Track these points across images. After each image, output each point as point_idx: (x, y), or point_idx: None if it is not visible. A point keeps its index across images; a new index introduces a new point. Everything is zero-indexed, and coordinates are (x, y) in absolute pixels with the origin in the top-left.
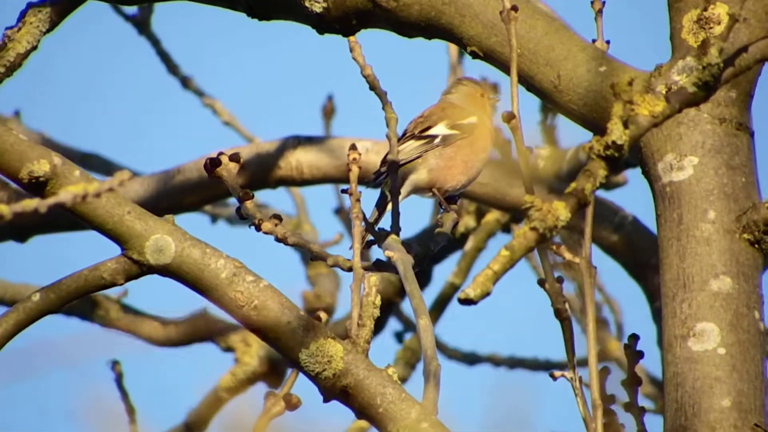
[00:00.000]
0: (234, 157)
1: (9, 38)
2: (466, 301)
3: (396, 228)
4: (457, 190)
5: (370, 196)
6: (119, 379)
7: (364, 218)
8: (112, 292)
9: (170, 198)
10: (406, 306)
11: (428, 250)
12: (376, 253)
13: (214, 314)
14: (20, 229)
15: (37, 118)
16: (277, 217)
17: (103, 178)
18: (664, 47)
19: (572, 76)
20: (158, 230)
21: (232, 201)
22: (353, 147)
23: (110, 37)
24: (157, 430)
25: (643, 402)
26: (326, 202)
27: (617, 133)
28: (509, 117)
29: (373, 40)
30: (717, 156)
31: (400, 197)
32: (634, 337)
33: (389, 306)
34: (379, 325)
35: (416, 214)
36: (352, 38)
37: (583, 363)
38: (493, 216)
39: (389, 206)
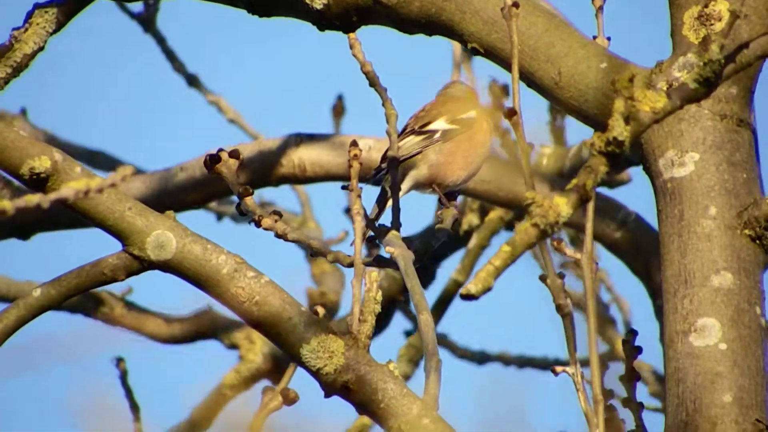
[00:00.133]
0: (234, 154)
1: (16, 39)
2: (468, 297)
3: (396, 224)
4: (457, 185)
5: (373, 193)
6: (123, 376)
7: (365, 214)
8: (117, 290)
9: (173, 195)
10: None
11: (429, 246)
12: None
13: (219, 311)
14: (23, 226)
15: (43, 117)
16: (277, 213)
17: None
18: (665, 44)
19: (573, 73)
20: (159, 226)
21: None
22: (354, 143)
23: (115, 34)
24: (160, 428)
25: (650, 401)
26: (331, 200)
27: (618, 129)
28: (510, 113)
29: (376, 36)
30: (718, 152)
31: (401, 193)
32: (632, 333)
33: (393, 303)
34: (383, 322)
35: (419, 211)
36: (352, 35)
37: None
38: (496, 213)
39: (390, 202)
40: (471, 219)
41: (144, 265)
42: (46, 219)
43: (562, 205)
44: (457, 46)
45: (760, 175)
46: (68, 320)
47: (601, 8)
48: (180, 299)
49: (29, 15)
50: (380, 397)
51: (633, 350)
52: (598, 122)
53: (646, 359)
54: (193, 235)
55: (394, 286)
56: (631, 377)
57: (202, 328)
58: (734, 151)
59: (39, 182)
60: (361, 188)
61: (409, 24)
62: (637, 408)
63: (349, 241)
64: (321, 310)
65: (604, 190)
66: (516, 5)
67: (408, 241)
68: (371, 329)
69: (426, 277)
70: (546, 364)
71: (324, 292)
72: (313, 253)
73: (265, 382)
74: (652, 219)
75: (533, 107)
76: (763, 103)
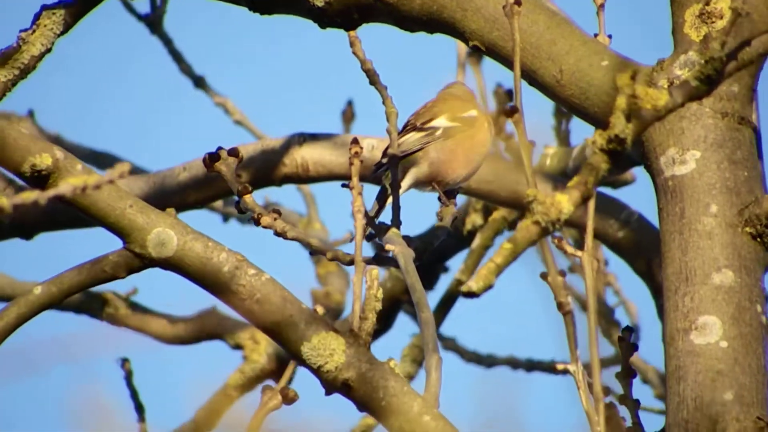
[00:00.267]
0: (233, 152)
1: (23, 40)
2: (469, 294)
3: (397, 222)
4: (457, 183)
5: (378, 193)
6: (129, 377)
7: (366, 212)
8: (122, 290)
9: (175, 195)
10: None
11: (428, 244)
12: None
13: (223, 312)
14: (26, 226)
15: (50, 118)
16: (276, 212)
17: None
18: (667, 42)
19: (574, 71)
20: (160, 223)
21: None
22: (355, 141)
23: (122, 36)
24: (165, 428)
25: (655, 403)
26: (337, 201)
27: (620, 126)
28: (512, 111)
29: (378, 34)
30: (719, 150)
31: (401, 190)
32: (629, 330)
33: (397, 304)
34: (386, 323)
35: (421, 211)
36: (352, 33)
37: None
38: (500, 213)
39: (390, 199)
40: (474, 219)
41: (145, 262)
42: (49, 218)
43: (564, 203)
44: (461, 46)
45: (761, 173)
46: (69, 321)
47: (602, 6)
48: (184, 299)
49: (37, 16)
50: (381, 394)
51: (629, 347)
52: (599, 120)
53: (652, 361)
54: (194, 233)
55: (398, 286)
56: (628, 374)
57: (207, 329)
58: (735, 149)
59: (40, 180)
60: (362, 186)
61: (411, 22)
62: (634, 405)
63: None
64: (320, 309)
65: (607, 191)
66: (518, 3)
67: (408, 239)
68: (372, 327)
69: (430, 276)
70: (555, 369)
71: (329, 292)
72: (313, 251)
73: (269, 383)
74: (655, 219)
75: (539, 108)
76: (764, 101)
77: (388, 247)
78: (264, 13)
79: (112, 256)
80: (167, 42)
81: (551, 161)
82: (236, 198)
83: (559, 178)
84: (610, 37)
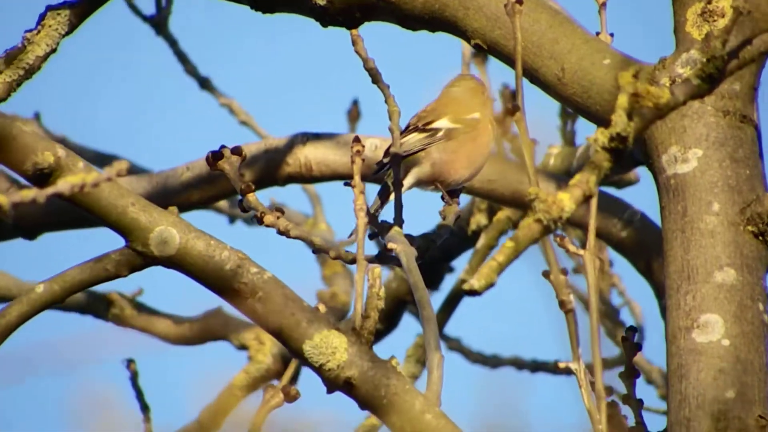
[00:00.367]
0: (236, 150)
1: (28, 41)
2: (471, 292)
3: (399, 220)
4: (459, 184)
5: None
6: (134, 378)
7: (368, 210)
8: (127, 291)
9: (179, 195)
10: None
11: (431, 242)
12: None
13: (228, 312)
14: (29, 226)
15: (56, 120)
16: (279, 210)
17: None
18: (668, 40)
19: (576, 69)
20: (162, 222)
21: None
22: (356, 139)
23: (126, 36)
24: (170, 429)
25: (661, 404)
26: (344, 202)
27: (622, 125)
28: (514, 110)
29: (380, 33)
30: (721, 148)
31: (403, 189)
32: (632, 330)
33: (402, 304)
34: (391, 323)
35: (425, 211)
36: (354, 31)
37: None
38: (504, 213)
39: (391, 197)
40: (479, 219)
41: (147, 260)
42: (53, 219)
43: (566, 201)
44: (466, 46)
45: (763, 172)
46: (72, 322)
47: (604, 5)
48: (189, 300)
49: (41, 17)
50: (383, 393)
51: (633, 347)
52: (601, 118)
53: (656, 362)
54: (197, 231)
55: (403, 286)
56: (631, 374)
57: (212, 329)
58: (737, 147)
59: (42, 178)
60: (363, 184)
61: (413, 20)
62: (637, 405)
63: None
64: (322, 308)
65: (611, 191)
66: (519, 2)
67: (411, 237)
68: (374, 325)
69: (435, 277)
70: (559, 370)
71: (335, 293)
72: (316, 249)
73: (274, 383)
74: (659, 218)
75: (546, 109)
76: (766, 100)
77: (390, 245)
78: (266, 11)
79: (114, 254)
80: (173, 43)
81: (555, 161)
82: (239, 197)
83: (563, 178)
84: (612, 35)
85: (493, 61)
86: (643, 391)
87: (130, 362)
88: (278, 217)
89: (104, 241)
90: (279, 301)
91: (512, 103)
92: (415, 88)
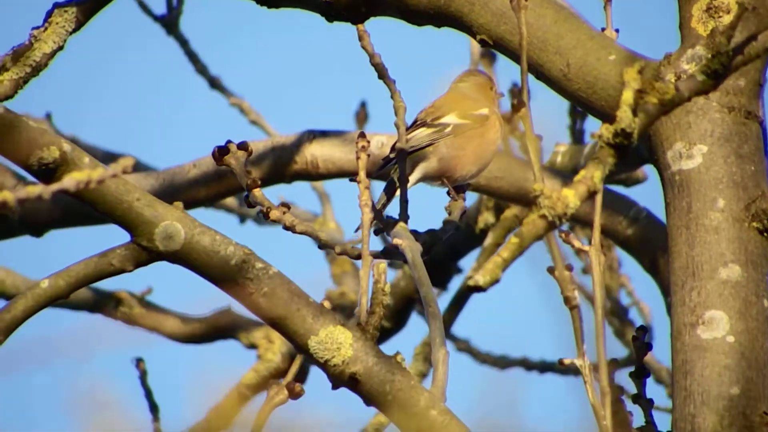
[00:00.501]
0: (242, 146)
1: (35, 38)
2: (476, 288)
3: (404, 216)
4: (465, 180)
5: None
6: (143, 377)
7: (373, 206)
8: (136, 289)
9: (185, 192)
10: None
11: (436, 238)
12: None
13: (238, 311)
14: (36, 223)
15: (66, 120)
16: (285, 206)
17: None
18: (674, 36)
19: (581, 65)
20: (168, 217)
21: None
22: (362, 135)
23: (135, 35)
24: (178, 427)
25: (669, 403)
26: (353, 200)
27: (626, 120)
28: (519, 106)
29: (389, 29)
30: (726, 144)
31: (409, 185)
32: (643, 329)
33: (410, 302)
34: (400, 321)
35: (433, 208)
36: (360, 27)
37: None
38: (512, 212)
39: (397, 193)
40: (486, 217)
41: (152, 256)
42: (59, 216)
43: (570, 197)
44: (474, 45)
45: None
46: (87, 320)
47: (609, 1)
48: (198, 299)
49: (48, 14)
50: (388, 388)
51: (643, 347)
52: (606, 114)
53: (665, 362)
54: (202, 227)
55: (411, 285)
56: (641, 374)
57: (221, 328)
58: (742, 143)
59: (47, 173)
60: (369, 180)
61: (418, 15)
62: (647, 404)
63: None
64: (327, 304)
65: (619, 189)
66: None
67: (416, 233)
68: (379, 321)
69: (443, 276)
70: (566, 370)
71: (344, 292)
72: (322, 245)
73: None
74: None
75: (556, 107)
76: None
77: (395, 241)
78: (271, 6)
79: (119, 249)
80: (183, 43)
81: (562, 159)
82: (245, 192)
83: (570, 176)
84: (617, 31)
85: (503, 61)
86: (652, 390)
87: (139, 361)
88: (284, 213)
89: (111, 238)
90: (284, 297)
91: (517, 100)
92: (422, 84)
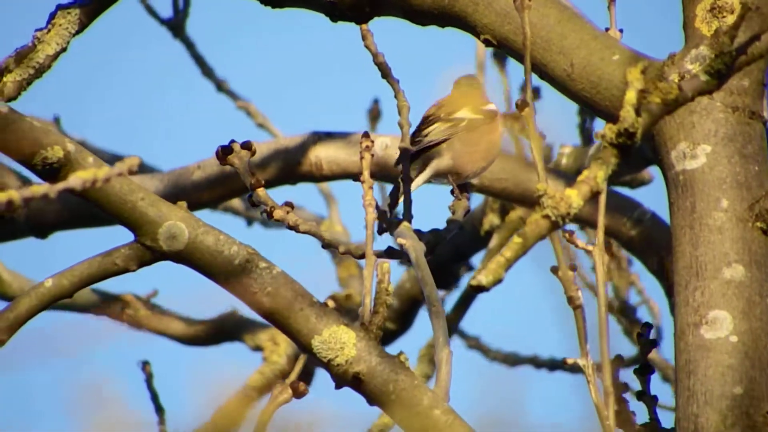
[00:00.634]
0: (246, 145)
1: (38, 40)
2: (478, 288)
3: (408, 215)
4: (472, 177)
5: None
6: (149, 380)
7: (377, 205)
8: (142, 292)
9: (189, 193)
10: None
11: (440, 237)
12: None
13: (243, 313)
14: (41, 224)
15: (72, 123)
16: (289, 205)
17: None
18: (678, 36)
19: (585, 65)
20: (171, 217)
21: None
22: (365, 134)
23: (138, 37)
24: (184, 430)
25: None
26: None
27: (629, 120)
28: (523, 105)
29: (393, 29)
30: (730, 144)
31: (420, 181)
32: (647, 326)
33: (416, 304)
34: (405, 323)
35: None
36: (364, 26)
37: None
38: (517, 213)
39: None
40: (492, 219)
41: (156, 255)
42: (64, 217)
43: (573, 197)
44: (480, 47)
45: None
46: (93, 323)
47: (613, 0)
48: (204, 301)
49: (52, 16)
50: (391, 388)
51: (648, 343)
52: (610, 114)
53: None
54: (205, 226)
55: (417, 287)
56: (646, 371)
57: (227, 330)
58: (746, 143)
59: (51, 173)
60: (372, 180)
61: (422, 15)
62: (651, 401)
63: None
64: (331, 303)
65: (625, 191)
66: None
67: (420, 233)
68: (383, 320)
69: (449, 277)
70: (575, 368)
71: (350, 294)
72: (325, 245)
73: None
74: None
75: (564, 106)
76: None
77: (399, 240)
78: (275, 6)
79: (123, 249)
80: (189, 46)
81: (567, 160)
82: (249, 192)
83: (574, 177)
84: (621, 31)
85: (513, 60)
86: (660, 388)
87: (145, 364)
88: (288, 212)
89: (116, 239)
90: (288, 296)
91: (521, 99)
92: (426, 84)
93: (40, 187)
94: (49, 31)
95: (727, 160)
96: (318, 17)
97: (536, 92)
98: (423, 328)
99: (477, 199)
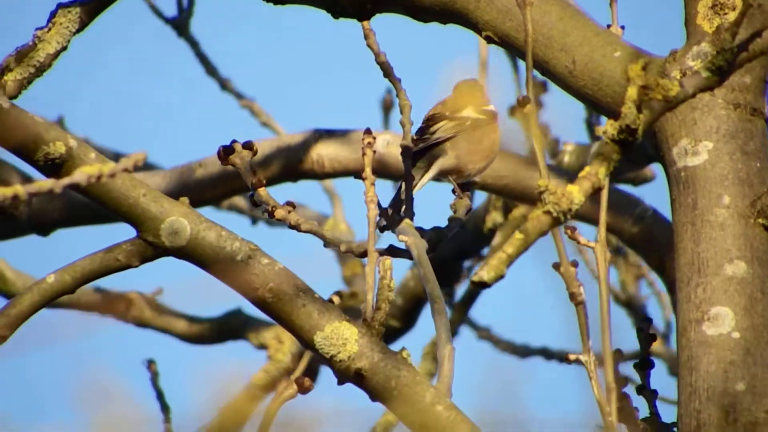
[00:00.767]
0: (247, 145)
1: (39, 38)
2: (480, 284)
3: (410, 213)
4: (472, 176)
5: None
6: (154, 378)
7: (379, 202)
8: (148, 291)
9: (191, 191)
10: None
11: (442, 235)
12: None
13: (248, 312)
14: (43, 222)
15: (75, 122)
16: (291, 204)
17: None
18: (680, 33)
19: (587, 61)
20: (174, 212)
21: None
22: (367, 131)
23: (143, 37)
24: (189, 429)
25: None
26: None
27: (631, 117)
28: (524, 101)
29: (396, 25)
30: (731, 141)
31: (424, 181)
32: (647, 321)
33: (420, 302)
34: (409, 321)
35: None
36: (366, 25)
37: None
38: (519, 211)
39: (416, 186)
40: (495, 217)
41: (158, 251)
42: (66, 215)
43: (575, 193)
44: (483, 46)
45: None
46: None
47: None
48: (208, 300)
49: (52, 14)
50: (393, 384)
51: (647, 338)
52: (611, 111)
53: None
54: (208, 222)
55: (421, 284)
56: (645, 365)
57: (231, 328)
58: (748, 140)
59: (53, 168)
60: (374, 177)
61: (423, 12)
62: (651, 396)
63: (379, 243)
64: (336, 299)
65: (627, 188)
66: None
67: (421, 230)
68: (385, 316)
69: (452, 275)
70: (566, 358)
71: (355, 292)
72: (327, 243)
73: None
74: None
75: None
76: None
77: (400, 238)
78: (277, 3)
79: (125, 244)
80: (194, 44)
81: (570, 158)
82: (251, 191)
83: (577, 174)
84: (623, 28)
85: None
86: (668, 382)
87: (150, 363)
88: (289, 212)
89: (118, 237)
90: (290, 292)
91: (522, 96)
92: (427, 81)
93: (45, 183)
94: (50, 29)
95: (729, 157)
96: (320, 14)
97: (544, 86)
98: (427, 326)
99: (480, 197)
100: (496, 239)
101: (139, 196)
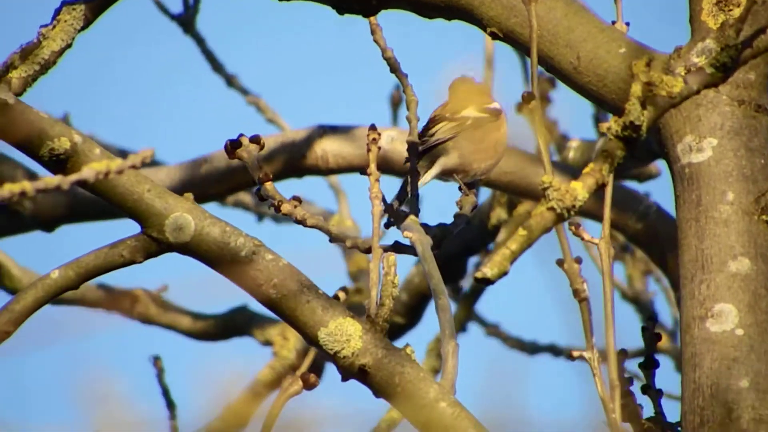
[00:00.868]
0: (254, 139)
1: (44, 36)
2: (483, 281)
3: (415, 209)
4: (479, 175)
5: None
6: (160, 375)
7: (383, 198)
8: (153, 288)
9: (196, 187)
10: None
11: (447, 231)
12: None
13: (253, 309)
14: (47, 218)
15: (81, 119)
16: (297, 199)
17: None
18: (684, 30)
19: (592, 58)
20: (178, 208)
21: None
22: (372, 127)
23: (147, 32)
24: (194, 425)
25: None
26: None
27: (635, 113)
28: (529, 98)
29: (402, 21)
30: (736, 138)
31: (428, 178)
32: (652, 320)
33: (425, 299)
34: (414, 318)
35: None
36: (372, 20)
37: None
38: (524, 207)
39: (419, 183)
40: (499, 213)
41: (162, 247)
42: (70, 211)
43: (579, 189)
44: (488, 43)
45: None
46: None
47: None
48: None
49: (57, 12)
50: (397, 380)
51: (652, 337)
52: (616, 107)
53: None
54: (212, 218)
55: (426, 282)
56: (650, 364)
57: (236, 325)
58: (752, 136)
59: (58, 164)
60: (379, 173)
61: (428, 8)
62: (656, 395)
63: (385, 240)
64: (342, 295)
65: (633, 184)
66: None
67: (426, 226)
68: (389, 313)
69: (457, 272)
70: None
71: (360, 288)
72: (333, 239)
73: None
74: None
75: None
76: None
77: (405, 234)
78: None
79: (129, 240)
80: (200, 41)
81: (575, 154)
82: (257, 186)
83: (581, 171)
84: (627, 24)
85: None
86: (674, 378)
87: (156, 359)
88: (295, 206)
89: (122, 232)
90: (294, 288)
91: (527, 92)
92: (434, 77)
93: (52, 179)
94: (54, 27)
95: (733, 154)
96: (325, 10)
97: (551, 82)
98: (432, 322)
99: (485, 194)
100: (501, 236)
101: (144, 191)
